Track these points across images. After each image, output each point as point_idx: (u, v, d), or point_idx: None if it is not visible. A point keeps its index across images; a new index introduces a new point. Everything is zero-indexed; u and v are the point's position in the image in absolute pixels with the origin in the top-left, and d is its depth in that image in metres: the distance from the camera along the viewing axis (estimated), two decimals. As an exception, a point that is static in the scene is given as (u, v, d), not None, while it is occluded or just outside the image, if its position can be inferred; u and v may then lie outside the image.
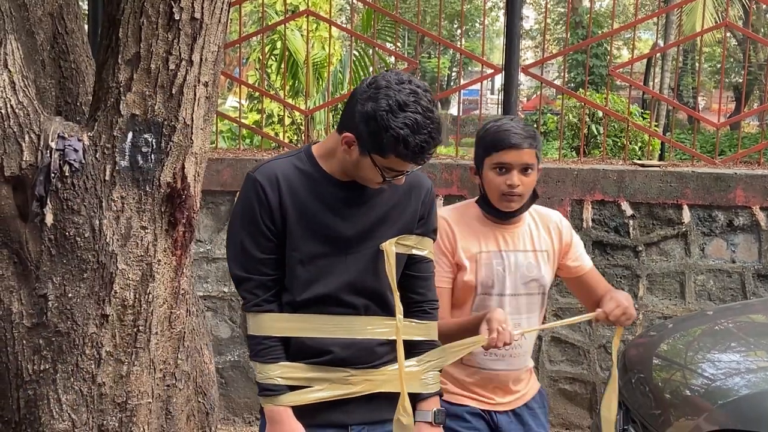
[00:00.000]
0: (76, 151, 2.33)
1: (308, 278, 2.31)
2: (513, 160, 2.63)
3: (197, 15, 2.35)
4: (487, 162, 2.67)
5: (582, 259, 2.87)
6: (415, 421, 2.38)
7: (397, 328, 2.36)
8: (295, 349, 2.34)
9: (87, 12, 4.99)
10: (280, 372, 2.31)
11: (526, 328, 2.68)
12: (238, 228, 2.34)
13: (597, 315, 2.65)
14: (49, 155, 2.31)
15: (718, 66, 24.82)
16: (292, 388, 2.33)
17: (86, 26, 3.30)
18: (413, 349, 2.39)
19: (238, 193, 2.40)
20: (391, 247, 2.33)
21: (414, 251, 2.40)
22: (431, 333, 2.46)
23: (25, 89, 2.34)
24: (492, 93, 30.43)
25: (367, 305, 2.36)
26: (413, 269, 2.42)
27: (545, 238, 2.81)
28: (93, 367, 2.40)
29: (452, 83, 29.17)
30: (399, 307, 2.36)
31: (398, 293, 2.35)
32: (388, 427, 2.39)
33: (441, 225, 2.67)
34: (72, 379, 2.40)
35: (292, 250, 2.30)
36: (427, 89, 2.20)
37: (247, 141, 8.82)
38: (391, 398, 2.38)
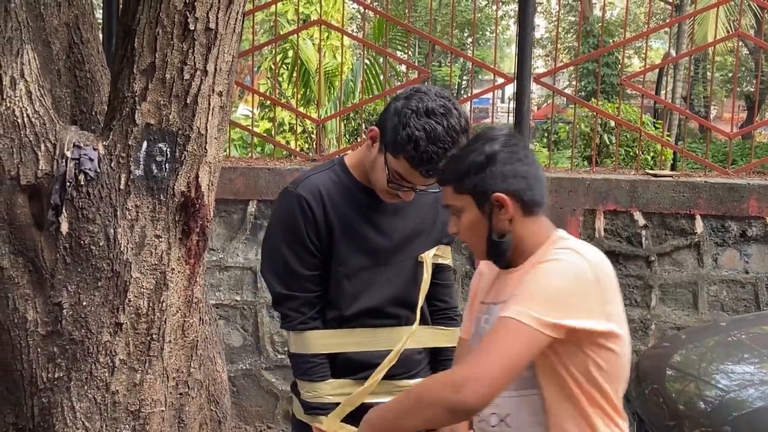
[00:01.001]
0: (91, 160, 2.34)
1: (354, 292, 2.30)
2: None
3: (212, 25, 2.36)
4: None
5: None
6: None
7: (413, 332, 2.37)
8: (341, 366, 2.33)
9: (102, 22, 5.01)
10: (329, 389, 2.30)
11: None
12: (280, 245, 2.30)
13: None
14: (64, 164, 2.32)
15: (730, 75, 24.76)
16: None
17: (101, 36, 3.32)
18: (439, 356, 2.40)
19: (274, 207, 2.38)
20: (429, 259, 2.34)
21: (440, 261, 2.41)
22: (455, 339, 2.46)
23: (41, 98, 2.35)
24: (502, 102, 30.40)
25: (408, 316, 2.37)
26: (438, 277, 2.43)
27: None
28: (107, 375, 2.41)
29: (462, 92, 29.17)
30: (417, 316, 2.37)
31: (425, 303, 2.36)
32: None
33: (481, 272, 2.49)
34: (86, 387, 2.40)
35: (339, 265, 2.29)
36: (464, 116, 2.18)
37: (258, 149, 8.84)
38: None
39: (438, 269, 2.42)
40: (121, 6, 2.69)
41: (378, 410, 1.87)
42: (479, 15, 27.48)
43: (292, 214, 2.26)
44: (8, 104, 2.28)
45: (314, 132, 9.10)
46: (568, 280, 1.79)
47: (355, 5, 12.73)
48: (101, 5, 5.17)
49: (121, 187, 2.36)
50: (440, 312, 2.45)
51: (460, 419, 1.87)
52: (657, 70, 10.41)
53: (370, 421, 1.86)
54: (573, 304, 1.77)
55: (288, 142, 9.50)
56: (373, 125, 2.26)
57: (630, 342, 1.91)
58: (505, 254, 1.93)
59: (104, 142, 2.37)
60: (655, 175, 5.00)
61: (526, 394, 1.90)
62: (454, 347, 2.45)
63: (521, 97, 5.09)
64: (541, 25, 31.84)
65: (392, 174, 2.20)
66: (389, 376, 2.35)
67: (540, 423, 1.89)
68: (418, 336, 2.39)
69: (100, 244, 2.35)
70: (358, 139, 8.27)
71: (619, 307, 1.87)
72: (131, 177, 2.36)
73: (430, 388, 1.79)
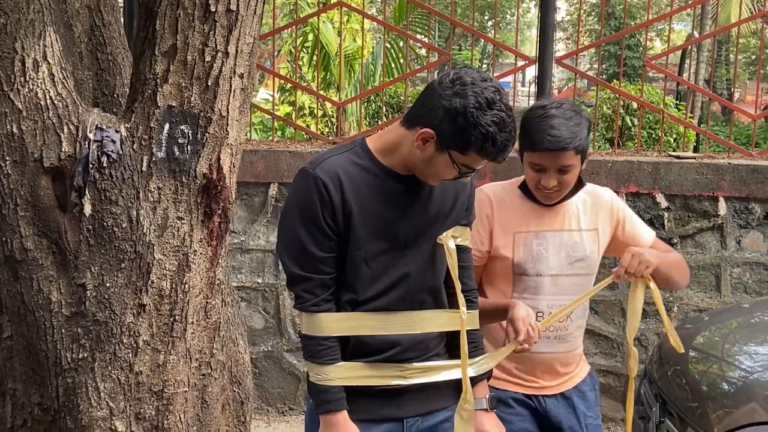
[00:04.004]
0: (113, 142, 2.35)
1: (372, 276, 2.28)
2: (548, 163, 2.56)
3: (233, 7, 2.36)
4: (525, 156, 2.64)
5: (638, 234, 2.77)
6: None
7: (462, 321, 2.36)
8: (353, 348, 2.32)
9: (123, 4, 5.02)
10: (339, 373, 2.29)
11: (549, 317, 2.63)
12: (296, 226, 2.26)
13: (616, 272, 2.57)
14: (87, 146, 2.33)
15: (753, 57, 24.50)
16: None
17: (122, 18, 3.34)
18: (458, 338, 2.39)
19: (291, 186, 2.36)
20: (449, 241, 2.33)
21: (459, 242, 2.39)
22: (474, 322, 2.46)
23: (64, 81, 2.36)
24: (522, 85, 30.30)
25: (423, 300, 2.36)
26: (458, 259, 2.42)
27: (594, 217, 2.73)
28: (130, 355, 2.43)
29: (483, 75, 28.97)
30: (461, 299, 2.36)
31: (458, 285, 2.35)
32: (439, 416, 2.41)
33: (482, 200, 2.65)
34: (110, 368, 2.42)
35: (356, 249, 2.26)
36: (501, 89, 2.19)
37: (279, 133, 8.85)
38: (442, 388, 2.40)
39: (458, 250, 2.40)
40: (142, -12, 2.69)
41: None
42: (500, -3, 27.28)
43: (309, 196, 2.23)
44: (31, 86, 2.29)
45: (335, 115, 9.09)
46: None
47: (375, -12, 12.68)
48: (122, -12, 5.18)
49: (144, 169, 2.37)
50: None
51: None
52: (679, 53, 10.32)
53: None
54: None
55: (308, 126, 9.51)
56: (431, 122, 2.19)
57: None
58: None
59: (126, 124, 2.38)
60: (677, 157, 4.96)
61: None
62: (475, 329, 2.45)
63: (543, 79, 5.07)
64: (561, 8, 31.64)
65: (461, 167, 2.20)
66: (402, 359, 2.34)
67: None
68: (435, 320, 2.38)
69: (123, 225, 2.36)
70: (379, 122, 8.26)
71: None
72: (153, 159, 2.37)
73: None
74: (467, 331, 2.40)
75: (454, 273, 2.34)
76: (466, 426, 2.35)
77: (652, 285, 2.59)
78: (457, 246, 2.39)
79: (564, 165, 2.55)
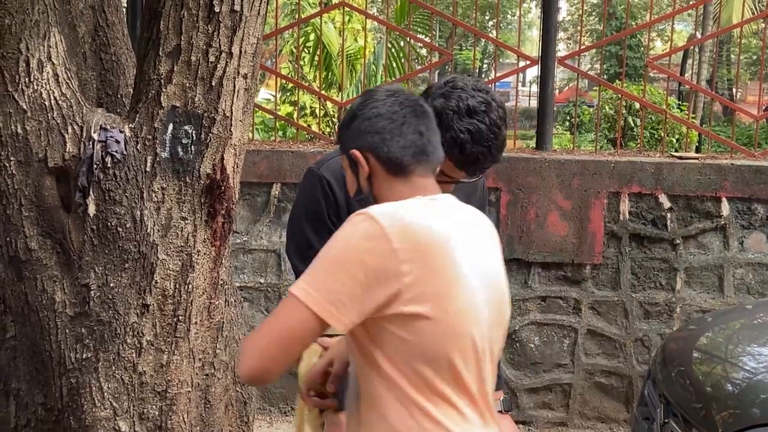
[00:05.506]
0: (117, 142, 2.35)
1: None
2: None
3: (237, 7, 2.36)
4: None
5: None
6: None
7: None
8: None
9: (126, 5, 5.02)
10: None
11: None
12: (303, 224, 2.29)
13: None
14: (91, 146, 2.33)
15: (754, 57, 24.50)
16: None
17: (126, 19, 3.34)
18: None
19: (298, 187, 2.36)
20: None
21: None
22: None
23: (68, 81, 2.36)
24: (523, 85, 30.30)
25: None
26: None
27: None
28: (134, 355, 2.43)
29: (483, 75, 29.04)
30: None
31: None
32: None
33: None
34: (113, 368, 2.42)
35: None
36: (501, 105, 2.13)
37: (280, 133, 8.85)
38: None
39: None
40: (145, -11, 2.69)
41: None
42: (501, -3, 27.29)
43: (314, 195, 2.25)
44: (36, 87, 2.29)
45: (336, 115, 9.09)
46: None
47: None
48: (125, -11, 5.17)
49: (148, 169, 2.37)
50: None
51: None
52: (681, 53, 10.32)
53: None
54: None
55: (310, 126, 9.50)
56: None
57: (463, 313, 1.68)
58: None
59: (130, 125, 2.38)
60: (680, 158, 4.96)
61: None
62: None
63: (545, 79, 5.06)
64: (562, 8, 31.64)
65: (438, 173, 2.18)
66: None
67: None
68: None
69: (127, 225, 2.36)
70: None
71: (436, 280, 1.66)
72: (157, 159, 2.37)
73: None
74: None
75: None
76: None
77: None
78: None
79: None
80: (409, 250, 1.61)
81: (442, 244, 1.65)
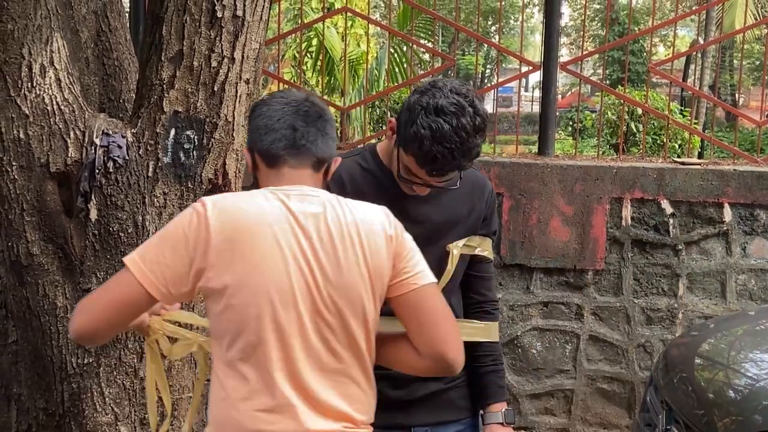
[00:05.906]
0: (120, 147, 2.35)
1: None
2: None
3: (239, 13, 2.36)
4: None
5: None
6: (485, 423, 2.38)
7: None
8: None
9: (129, 10, 5.03)
10: None
11: None
12: None
13: None
14: (93, 151, 2.33)
15: (756, 63, 24.49)
16: None
17: (128, 24, 3.34)
18: (474, 351, 2.36)
19: None
20: (456, 250, 2.31)
21: (477, 252, 2.37)
22: (492, 334, 2.42)
23: (70, 86, 2.37)
24: (525, 90, 30.30)
25: None
26: (475, 269, 2.40)
27: None
28: (135, 361, 2.43)
29: (485, 81, 29.05)
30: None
31: (443, 284, 2.32)
32: (450, 429, 2.38)
33: None
34: (115, 373, 2.42)
35: None
36: (480, 114, 2.11)
37: (283, 138, 8.84)
38: (454, 399, 2.38)
39: (477, 261, 2.38)
40: (148, -6, 2.70)
41: None
42: (504, 2, 27.32)
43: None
44: (38, 92, 2.30)
45: (338, 120, 9.10)
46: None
47: (380, -7, 12.68)
48: (128, -6, 5.18)
49: (150, 174, 2.37)
50: (476, 305, 2.41)
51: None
52: (684, 58, 10.31)
53: None
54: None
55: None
56: (397, 114, 2.23)
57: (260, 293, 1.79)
58: None
59: (132, 130, 2.38)
60: (682, 163, 4.95)
61: None
62: (493, 342, 2.42)
63: (548, 84, 5.06)
64: (565, 13, 31.66)
65: (402, 168, 2.17)
66: None
67: None
68: None
69: (129, 231, 2.36)
70: (383, 128, 8.25)
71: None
72: (159, 164, 2.37)
73: None
74: (484, 343, 2.39)
75: (445, 279, 2.30)
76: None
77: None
78: (479, 257, 2.37)
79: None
80: (220, 230, 1.76)
81: (256, 225, 1.78)
